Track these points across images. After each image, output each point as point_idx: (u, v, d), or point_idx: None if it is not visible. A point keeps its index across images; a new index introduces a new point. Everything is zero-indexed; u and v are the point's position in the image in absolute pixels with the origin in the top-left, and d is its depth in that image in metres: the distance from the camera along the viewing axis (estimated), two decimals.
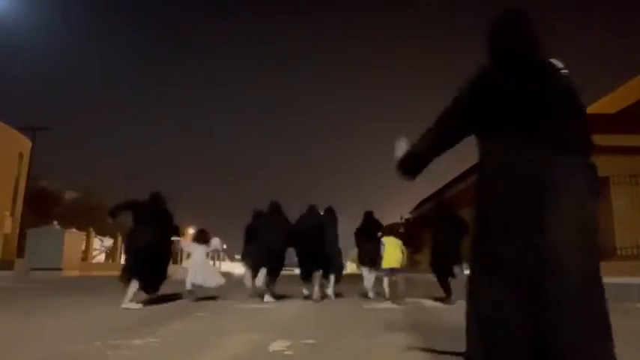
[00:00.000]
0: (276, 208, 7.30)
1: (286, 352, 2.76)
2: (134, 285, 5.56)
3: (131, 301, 5.45)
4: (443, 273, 6.72)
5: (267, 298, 6.63)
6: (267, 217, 7.29)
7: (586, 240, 1.56)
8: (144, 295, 5.92)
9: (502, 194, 1.66)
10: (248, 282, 7.56)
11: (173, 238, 6.72)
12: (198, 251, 7.04)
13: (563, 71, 1.81)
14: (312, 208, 7.49)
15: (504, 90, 1.73)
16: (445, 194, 14.85)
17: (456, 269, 6.59)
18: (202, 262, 7.05)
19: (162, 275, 6.17)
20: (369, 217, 8.12)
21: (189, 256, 8.40)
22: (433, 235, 7.29)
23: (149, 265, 5.76)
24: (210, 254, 9.16)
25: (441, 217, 7.30)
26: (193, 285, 6.61)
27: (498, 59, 1.85)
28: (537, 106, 1.69)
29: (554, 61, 1.83)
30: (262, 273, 6.71)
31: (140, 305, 5.48)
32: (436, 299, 6.88)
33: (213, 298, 7.01)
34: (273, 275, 6.84)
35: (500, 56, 1.84)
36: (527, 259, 1.55)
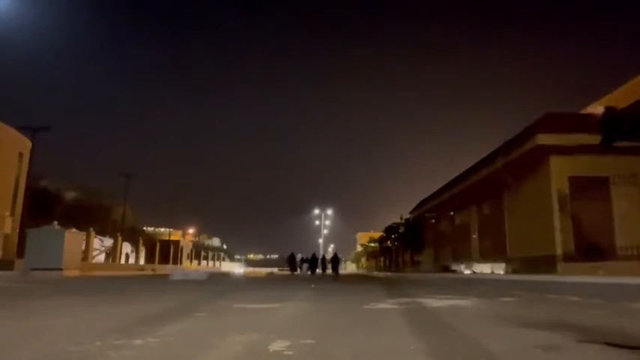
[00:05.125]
0: (315, 253, 41.26)
1: (286, 352, 2.76)
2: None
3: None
4: (324, 270, 39.46)
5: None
6: (314, 255, 40.24)
7: None
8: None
9: None
10: (305, 272, 38.45)
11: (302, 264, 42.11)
12: (305, 263, 41.10)
13: None
14: (314, 254, 41.00)
15: None
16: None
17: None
18: (306, 267, 39.96)
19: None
20: (336, 254, 41.84)
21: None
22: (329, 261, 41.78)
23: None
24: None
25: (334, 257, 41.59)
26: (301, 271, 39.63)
27: None
28: None
29: None
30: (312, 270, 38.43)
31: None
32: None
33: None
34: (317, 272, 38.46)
35: None
36: None
